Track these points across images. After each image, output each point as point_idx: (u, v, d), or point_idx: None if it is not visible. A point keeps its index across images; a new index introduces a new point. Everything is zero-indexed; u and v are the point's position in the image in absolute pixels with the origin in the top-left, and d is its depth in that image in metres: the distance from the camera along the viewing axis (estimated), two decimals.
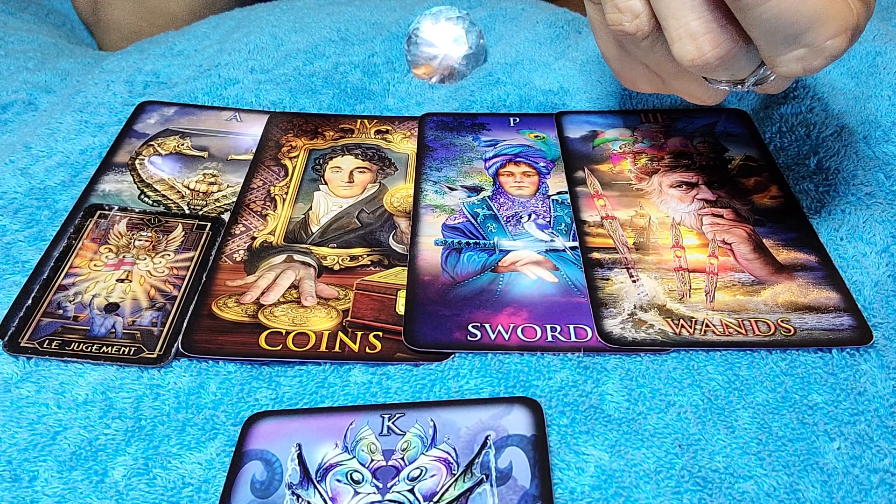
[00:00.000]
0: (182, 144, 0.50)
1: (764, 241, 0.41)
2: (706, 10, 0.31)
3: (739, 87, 0.35)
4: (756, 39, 0.31)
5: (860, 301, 0.38)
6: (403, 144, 0.50)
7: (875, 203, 0.43)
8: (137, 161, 0.48)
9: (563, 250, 0.41)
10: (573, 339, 0.36)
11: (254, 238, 0.43)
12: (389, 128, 0.51)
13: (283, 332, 0.37)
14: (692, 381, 0.35)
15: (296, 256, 0.42)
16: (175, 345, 0.36)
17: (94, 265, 0.40)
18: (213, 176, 0.47)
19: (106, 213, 0.44)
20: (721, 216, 0.43)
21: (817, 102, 0.48)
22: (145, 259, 0.41)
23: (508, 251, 0.41)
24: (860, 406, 0.34)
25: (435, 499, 0.30)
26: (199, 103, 0.53)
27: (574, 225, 0.43)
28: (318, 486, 0.30)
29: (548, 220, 0.43)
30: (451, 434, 0.32)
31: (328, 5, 0.63)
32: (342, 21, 0.60)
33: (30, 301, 0.38)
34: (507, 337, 0.36)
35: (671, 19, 0.31)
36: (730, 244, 0.41)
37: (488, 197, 0.45)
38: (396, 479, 0.30)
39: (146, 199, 0.45)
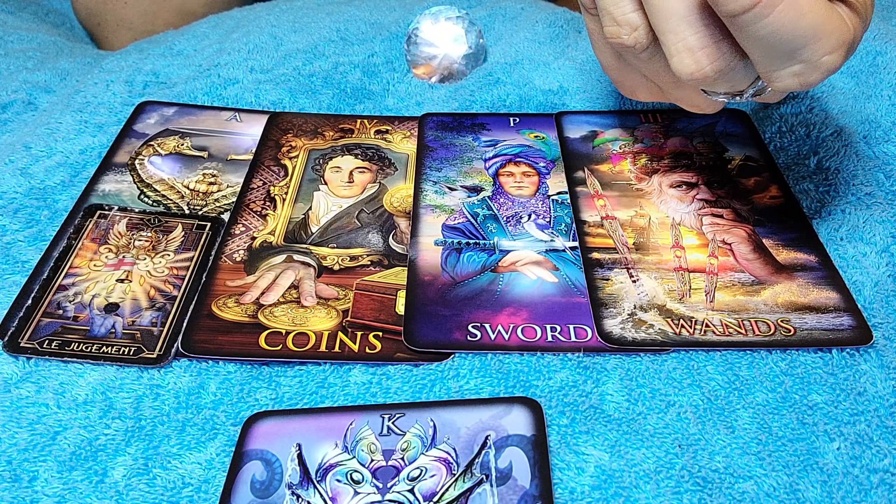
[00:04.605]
0: (182, 144, 0.50)
1: (764, 241, 0.41)
2: (703, 25, 0.31)
3: (738, 98, 0.35)
4: (752, 55, 0.31)
5: (860, 301, 0.38)
6: (403, 144, 0.50)
7: (875, 203, 0.43)
8: (137, 161, 0.48)
9: (563, 250, 0.41)
10: (573, 339, 0.36)
11: (254, 238, 0.43)
12: (389, 128, 0.51)
13: (283, 332, 0.37)
14: (692, 381, 0.35)
15: (296, 256, 0.42)
16: (175, 345, 0.36)
17: (94, 265, 0.40)
18: (213, 176, 0.47)
19: (106, 213, 0.44)
20: (721, 216, 0.43)
21: (817, 102, 0.48)
22: (145, 259, 0.41)
23: (508, 251, 0.41)
24: (860, 406, 0.34)
25: (435, 499, 0.30)
26: (199, 103, 0.53)
27: (574, 225, 0.43)
28: (318, 486, 0.30)
29: (548, 220, 0.43)
30: (451, 434, 0.32)
31: (327, 5, 0.63)
32: (342, 21, 0.60)
33: (30, 301, 0.38)
34: (507, 337, 0.36)
35: (669, 34, 0.31)
36: (730, 244, 0.41)
37: (488, 197, 0.45)
38: (396, 479, 0.30)
39: (146, 199, 0.45)
